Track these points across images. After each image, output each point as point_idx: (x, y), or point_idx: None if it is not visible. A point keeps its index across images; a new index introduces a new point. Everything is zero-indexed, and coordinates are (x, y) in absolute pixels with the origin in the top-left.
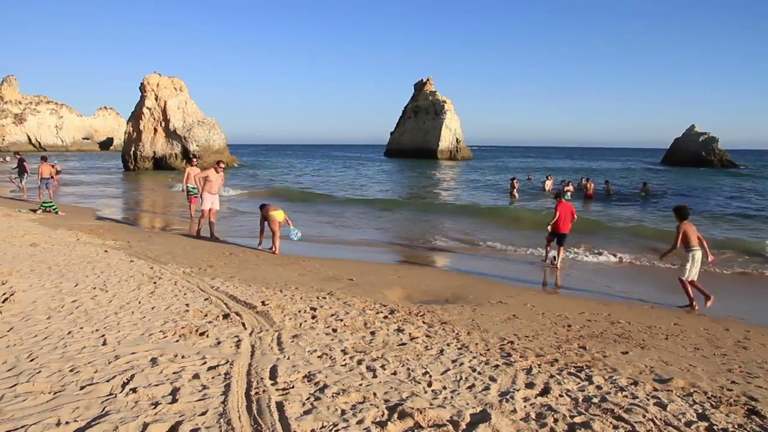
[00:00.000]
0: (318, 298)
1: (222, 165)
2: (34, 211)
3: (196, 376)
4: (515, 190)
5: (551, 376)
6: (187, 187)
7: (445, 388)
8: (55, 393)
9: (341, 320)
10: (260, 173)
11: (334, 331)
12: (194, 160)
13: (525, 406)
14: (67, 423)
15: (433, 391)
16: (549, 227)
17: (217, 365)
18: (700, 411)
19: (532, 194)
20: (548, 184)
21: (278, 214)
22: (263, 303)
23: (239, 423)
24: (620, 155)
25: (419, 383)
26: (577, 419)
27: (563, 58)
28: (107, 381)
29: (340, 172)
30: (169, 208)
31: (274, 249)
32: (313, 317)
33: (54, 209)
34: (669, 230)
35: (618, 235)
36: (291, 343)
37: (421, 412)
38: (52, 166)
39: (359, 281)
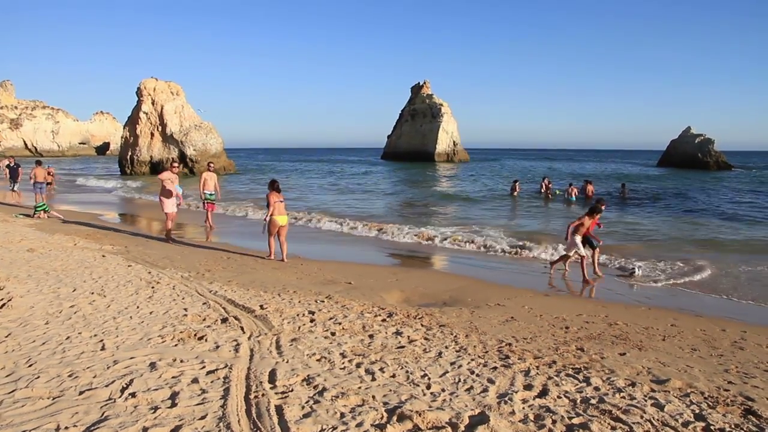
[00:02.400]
0: (316, 301)
1: (176, 164)
2: (28, 216)
3: (195, 381)
4: (516, 192)
5: (549, 378)
6: (204, 193)
7: (443, 390)
8: (54, 398)
9: (340, 323)
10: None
11: (333, 334)
12: (210, 165)
13: (523, 408)
14: (66, 428)
15: (431, 393)
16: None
17: (216, 369)
18: (698, 411)
19: (532, 197)
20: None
21: (282, 219)
22: (261, 307)
23: (239, 427)
24: (617, 157)
25: (418, 386)
26: (575, 420)
27: (560, 60)
28: (106, 386)
29: (353, 185)
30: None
31: (270, 255)
32: (312, 321)
33: (45, 209)
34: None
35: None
36: (290, 346)
37: (420, 415)
38: (48, 172)
39: (357, 284)
